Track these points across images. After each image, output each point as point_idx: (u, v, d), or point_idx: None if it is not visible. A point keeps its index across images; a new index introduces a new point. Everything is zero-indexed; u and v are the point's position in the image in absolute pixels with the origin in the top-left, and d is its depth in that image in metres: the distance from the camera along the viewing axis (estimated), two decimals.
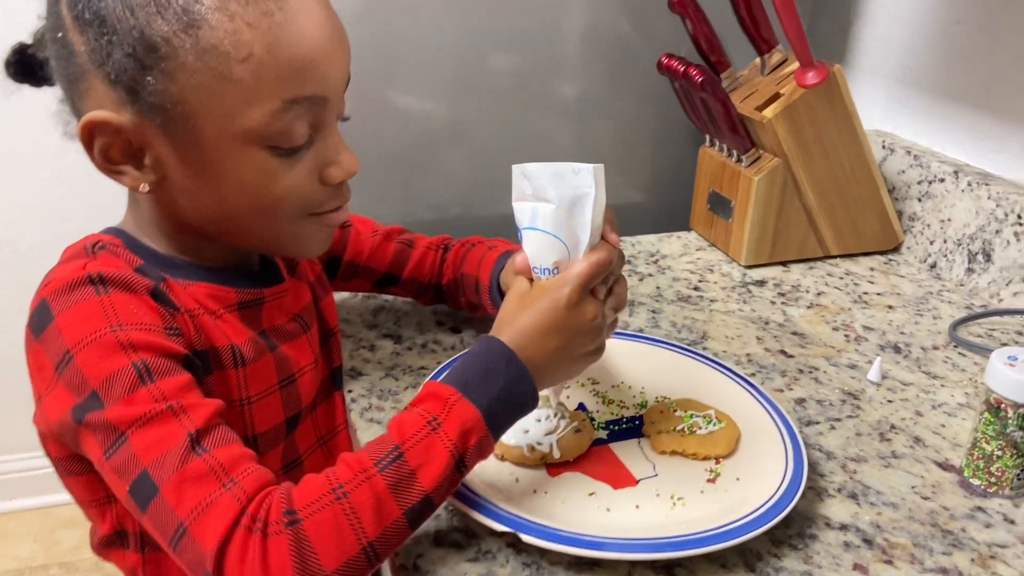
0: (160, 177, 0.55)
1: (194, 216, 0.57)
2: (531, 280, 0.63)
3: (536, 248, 0.61)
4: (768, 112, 0.97)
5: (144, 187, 0.55)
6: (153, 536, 0.49)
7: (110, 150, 0.54)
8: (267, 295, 0.63)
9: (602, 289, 0.62)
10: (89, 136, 0.53)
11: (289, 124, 0.53)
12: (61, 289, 0.52)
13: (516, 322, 0.59)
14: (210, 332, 0.57)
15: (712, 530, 0.59)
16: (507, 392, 0.55)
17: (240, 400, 0.58)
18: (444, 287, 0.85)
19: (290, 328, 0.65)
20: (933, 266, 1.06)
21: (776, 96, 0.99)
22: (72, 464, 0.58)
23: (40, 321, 0.52)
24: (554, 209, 0.60)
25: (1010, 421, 0.65)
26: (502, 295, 0.76)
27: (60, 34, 0.52)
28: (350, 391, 0.77)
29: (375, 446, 0.52)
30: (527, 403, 0.57)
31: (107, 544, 0.61)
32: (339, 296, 0.93)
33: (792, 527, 0.63)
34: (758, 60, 1.06)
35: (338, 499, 0.48)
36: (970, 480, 0.69)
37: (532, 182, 0.60)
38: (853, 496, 0.67)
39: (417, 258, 0.84)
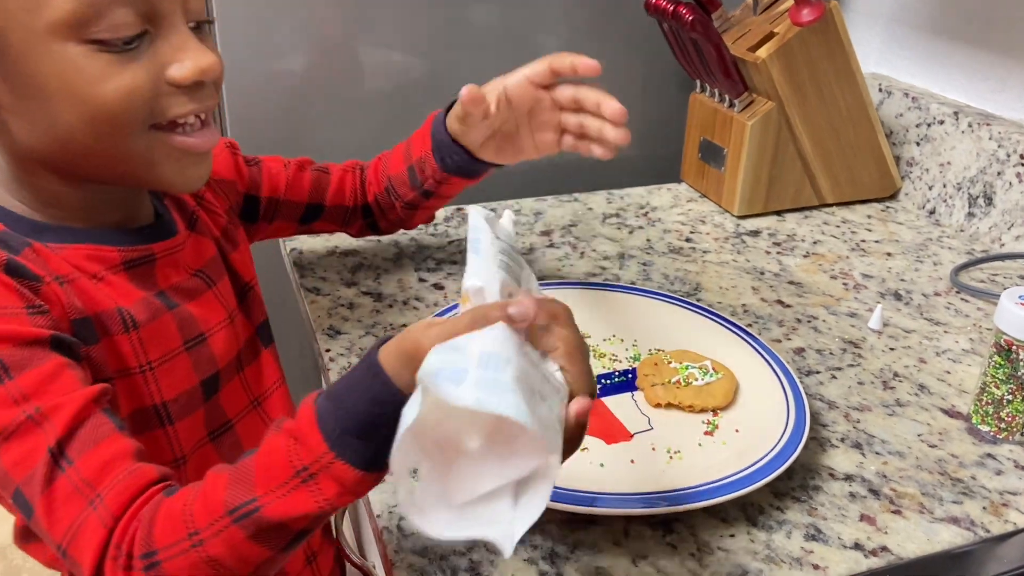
0: None
1: (34, 145, 0.50)
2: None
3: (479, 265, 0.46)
4: (762, 52, 0.92)
5: None
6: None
7: None
8: (158, 251, 0.56)
9: None
10: None
11: (105, 9, 0.45)
12: None
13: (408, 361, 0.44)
14: (91, 296, 0.51)
15: (711, 483, 0.56)
16: (390, 425, 0.40)
17: (140, 367, 0.53)
18: (371, 204, 0.79)
19: (191, 285, 0.58)
20: (932, 212, 1.03)
21: (770, 36, 0.95)
22: None
23: None
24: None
25: (1021, 364, 0.62)
26: (456, 146, 0.70)
27: None
28: (328, 350, 0.73)
29: (234, 484, 0.43)
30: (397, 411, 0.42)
31: (24, 537, 0.56)
32: (315, 252, 0.89)
33: (795, 479, 0.60)
34: None
35: (195, 547, 0.43)
36: (978, 427, 0.66)
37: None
38: (857, 446, 0.64)
39: (336, 182, 0.78)
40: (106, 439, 0.46)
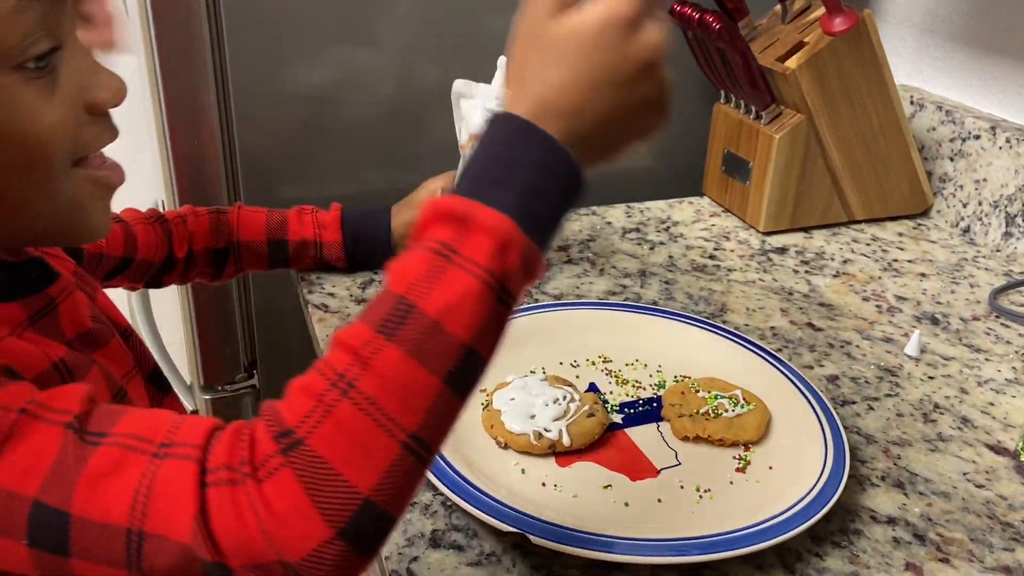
0: None
1: None
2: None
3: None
4: (792, 62, 0.89)
5: None
6: None
7: None
8: (55, 296, 0.47)
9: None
10: None
11: (28, 26, 0.39)
12: None
13: (543, 89, 0.39)
14: (20, 356, 0.42)
15: (746, 528, 0.52)
16: (541, 179, 0.38)
17: None
18: (188, 257, 0.74)
19: (98, 331, 0.49)
20: (966, 230, 0.99)
21: (799, 46, 0.91)
22: None
23: None
24: None
25: None
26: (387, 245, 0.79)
27: None
28: None
29: (374, 308, 0.37)
30: (572, 187, 0.39)
31: None
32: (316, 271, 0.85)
33: (833, 521, 0.56)
34: (778, 7, 0.97)
35: (344, 394, 0.34)
36: None
37: None
38: (899, 485, 0.60)
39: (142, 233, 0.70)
40: (129, 410, 0.37)
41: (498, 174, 0.38)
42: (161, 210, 0.74)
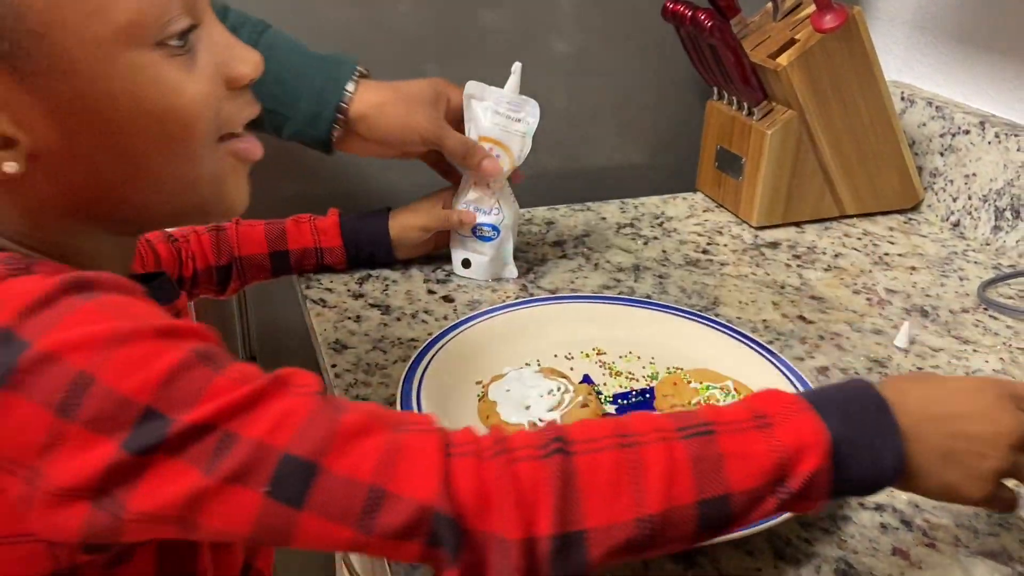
0: (29, 150, 0.39)
1: (75, 194, 0.42)
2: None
3: None
4: (783, 59, 0.90)
5: (11, 167, 0.39)
6: (321, 540, 0.37)
7: None
8: (180, 310, 0.50)
9: None
10: None
11: (167, 4, 0.40)
12: (22, 312, 0.36)
13: (908, 386, 0.46)
14: None
15: None
16: (866, 438, 0.42)
17: None
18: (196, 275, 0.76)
19: None
20: (956, 224, 1.00)
21: (791, 43, 0.92)
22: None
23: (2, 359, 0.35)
24: None
25: None
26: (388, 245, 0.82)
27: None
28: (334, 365, 0.71)
29: (683, 415, 0.42)
30: (884, 470, 0.42)
31: None
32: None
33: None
34: (770, 5, 0.98)
35: (624, 447, 0.39)
36: None
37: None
38: None
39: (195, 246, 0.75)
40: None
41: (839, 408, 0.42)
42: None
